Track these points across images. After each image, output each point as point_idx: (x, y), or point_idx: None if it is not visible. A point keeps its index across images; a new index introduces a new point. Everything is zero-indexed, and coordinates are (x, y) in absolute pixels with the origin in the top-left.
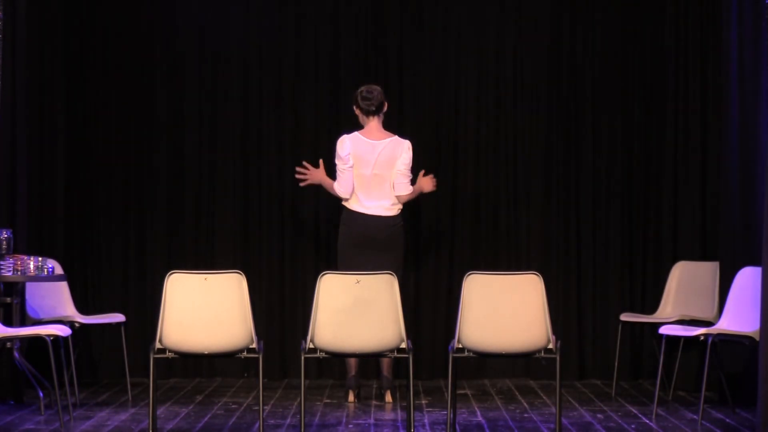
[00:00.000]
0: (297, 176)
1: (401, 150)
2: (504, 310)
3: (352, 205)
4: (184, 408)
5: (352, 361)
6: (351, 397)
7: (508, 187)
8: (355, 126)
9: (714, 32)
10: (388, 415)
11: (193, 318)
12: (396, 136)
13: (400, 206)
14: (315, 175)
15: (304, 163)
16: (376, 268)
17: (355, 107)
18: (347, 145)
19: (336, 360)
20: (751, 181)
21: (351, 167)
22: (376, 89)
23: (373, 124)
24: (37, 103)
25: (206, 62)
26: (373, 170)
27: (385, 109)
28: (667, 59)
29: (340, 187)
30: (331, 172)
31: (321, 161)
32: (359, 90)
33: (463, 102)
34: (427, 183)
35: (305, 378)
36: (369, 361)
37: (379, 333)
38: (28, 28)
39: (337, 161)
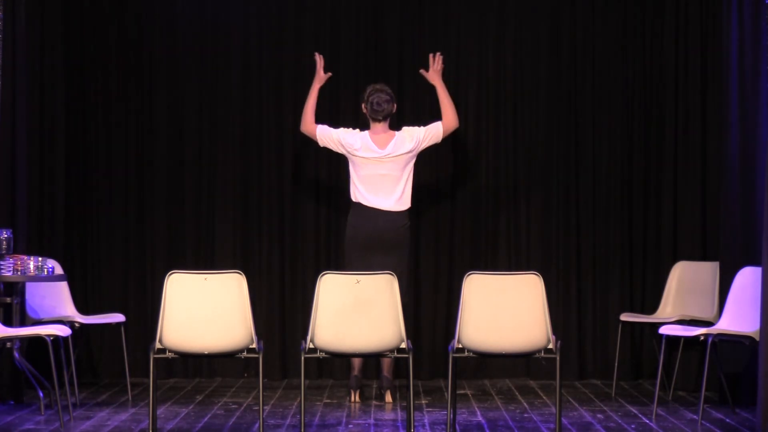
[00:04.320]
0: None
1: (405, 142)
2: (504, 310)
3: (360, 205)
4: (184, 408)
5: (356, 361)
6: (353, 397)
7: (508, 187)
8: (356, 124)
9: (714, 32)
10: (388, 415)
11: (193, 318)
12: (397, 134)
13: (409, 205)
14: (319, 71)
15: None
16: (383, 269)
17: (363, 105)
18: (356, 143)
19: (336, 360)
20: (751, 181)
21: (331, 141)
22: (386, 99)
23: (380, 126)
24: (37, 103)
25: (206, 62)
26: (382, 171)
27: (394, 111)
28: (667, 59)
29: (312, 126)
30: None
31: (329, 74)
32: (370, 92)
33: (462, 102)
34: (436, 68)
35: (305, 378)
36: (369, 361)
37: (379, 333)
38: (28, 28)
39: (342, 131)
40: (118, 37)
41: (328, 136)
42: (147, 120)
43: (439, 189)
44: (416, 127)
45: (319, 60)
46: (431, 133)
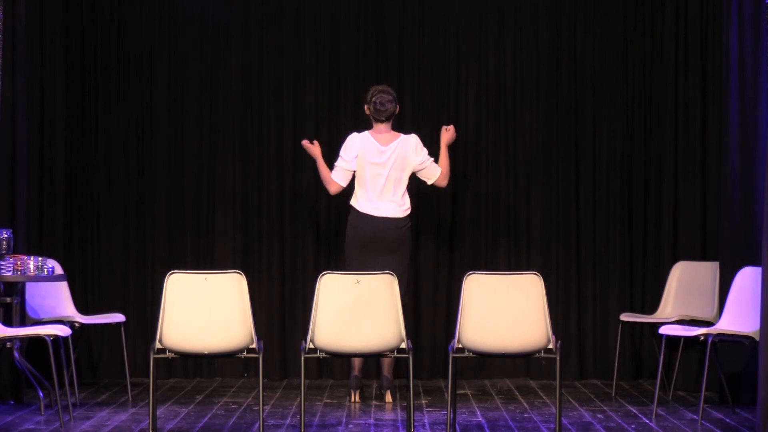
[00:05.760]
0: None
1: (409, 149)
2: (504, 310)
3: (361, 206)
4: (184, 408)
5: (356, 361)
6: (354, 397)
7: (508, 187)
8: (356, 124)
9: (714, 32)
10: (388, 415)
11: (193, 318)
12: (401, 135)
13: (409, 207)
14: (311, 149)
15: (304, 141)
16: (384, 269)
17: (366, 106)
18: (356, 147)
19: (336, 360)
20: (751, 181)
21: (350, 169)
22: (389, 99)
23: (382, 126)
24: (37, 103)
25: (206, 62)
26: (383, 172)
27: (397, 112)
28: (667, 59)
29: (334, 181)
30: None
31: (316, 142)
32: (372, 93)
33: (462, 102)
34: (448, 136)
35: (305, 378)
36: (369, 361)
37: (379, 333)
38: (28, 28)
39: (341, 155)
40: (118, 37)
41: (342, 172)
42: (147, 120)
43: (439, 189)
44: (425, 151)
45: (304, 144)
46: (430, 169)
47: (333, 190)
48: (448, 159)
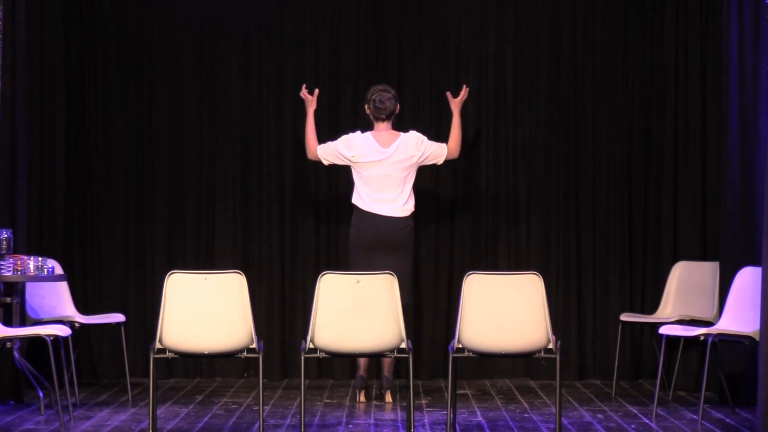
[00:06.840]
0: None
1: (410, 147)
2: (504, 310)
3: (363, 205)
4: (184, 408)
5: (362, 361)
6: (360, 397)
7: (508, 187)
8: (356, 124)
9: (714, 33)
10: (388, 415)
11: (193, 318)
12: (402, 135)
13: (413, 207)
14: (309, 102)
15: (304, 88)
16: (387, 269)
17: (366, 106)
18: (357, 147)
19: (336, 360)
20: (751, 181)
21: (337, 162)
22: (389, 97)
23: (383, 126)
24: (37, 103)
25: (206, 62)
26: (385, 172)
27: (397, 111)
28: (667, 59)
29: (317, 153)
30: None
31: (317, 91)
32: (372, 92)
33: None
34: (458, 101)
35: (305, 378)
36: (370, 361)
37: (379, 333)
38: (28, 28)
39: (340, 142)
40: (119, 36)
41: (330, 153)
42: (147, 120)
43: (440, 188)
44: (425, 138)
45: (303, 88)
46: (434, 152)
47: (310, 156)
48: (459, 129)
